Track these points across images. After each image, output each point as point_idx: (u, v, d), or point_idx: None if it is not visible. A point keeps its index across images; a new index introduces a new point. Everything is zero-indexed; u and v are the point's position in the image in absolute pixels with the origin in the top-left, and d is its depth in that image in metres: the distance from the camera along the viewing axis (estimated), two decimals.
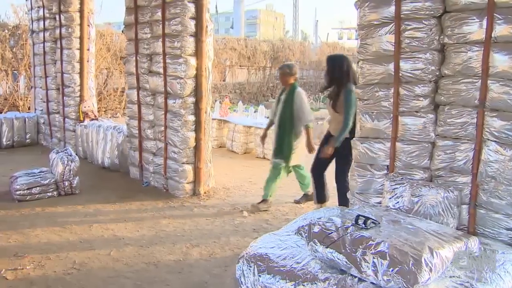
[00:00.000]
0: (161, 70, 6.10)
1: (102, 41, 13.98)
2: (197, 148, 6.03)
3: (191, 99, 5.92)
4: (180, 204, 5.80)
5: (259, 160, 8.66)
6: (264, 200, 5.71)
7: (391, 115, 3.64)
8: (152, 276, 3.93)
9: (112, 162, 7.42)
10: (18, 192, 5.85)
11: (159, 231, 4.93)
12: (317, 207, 5.30)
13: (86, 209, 5.61)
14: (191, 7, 5.87)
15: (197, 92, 5.94)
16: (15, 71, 13.30)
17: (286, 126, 5.62)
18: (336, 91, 4.99)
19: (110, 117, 12.23)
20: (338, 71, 4.94)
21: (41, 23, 9.48)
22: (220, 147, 9.83)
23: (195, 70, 5.91)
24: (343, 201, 4.98)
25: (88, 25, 8.72)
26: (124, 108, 14.37)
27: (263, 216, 5.47)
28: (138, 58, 6.55)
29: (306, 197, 6.03)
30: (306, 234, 3.04)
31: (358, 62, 3.91)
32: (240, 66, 20.01)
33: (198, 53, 5.91)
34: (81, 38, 8.61)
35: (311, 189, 5.76)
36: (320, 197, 5.43)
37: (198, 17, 5.91)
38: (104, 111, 13.45)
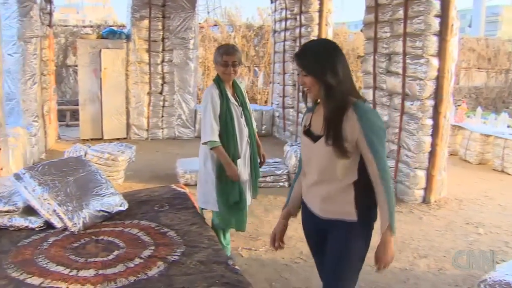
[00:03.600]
0: (400, 71, 5.91)
1: (336, 40, 14.29)
2: (432, 154, 5.69)
3: (430, 102, 5.60)
4: (408, 210, 5.55)
5: (497, 173, 7.79)
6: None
7: None
8: (375, 280, 3.83)
9: None
10: None
11: None
12: None
13: None
14: (436, 4, 5.54)
15: (437, 94, 5.59)
16: (256, 68, 14.56)
17: (254, 141, 3.86)
18: (332, 109, 2.23)
19: None
20: (332, 72, 2.21)
21: (283, 23, 10.12)
22: (452, 154, 9.15)
23: (436, 71, 5.57)
24: None
25: (326, 25, 8.97)
26: None
27: (502, 236, 4.88)
28: (376, 57, 6.48)
29: None
30: None
31: None
32: (478, 68, 18.34)
33: (441, 53, 5.55)
34: (319, 37, 8.89)
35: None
36: None
37: (443, 15, 5.55)
38: None
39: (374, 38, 6.52)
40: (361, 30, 7.21)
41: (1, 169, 4.82)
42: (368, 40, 6.75)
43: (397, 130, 6.03)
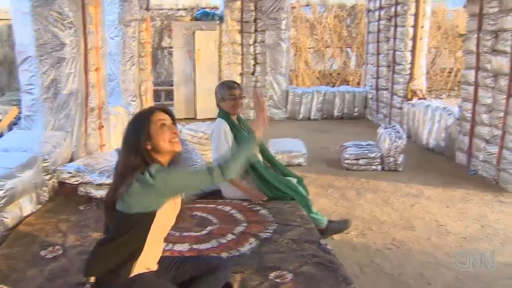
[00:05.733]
0: (508, 49, 5.41)
1: (433, 19, 13.56)
2: None
3: None
4: None
5: None
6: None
7: None
8: (476, 274, 3.56)
9: (437, 144, 7.15)
10: (346, 161, 6.25)
11: (486, 226, 4.48)
12: None
13: (409, 188, 5.55)
14: None
15: None
16: (348, 48, 14.24)
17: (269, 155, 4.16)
18: None
19: (434, 98, 11.87)
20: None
21: (377, 1, 9.78)
22: None
23: None
24: None
25: (424, 2, 8.50)
26: (449, 89, 13.76)
27: None
28: (480, 35, 6.01)
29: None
30: None
31: None
32: None
33: None
34: (416, 15, 8.45)
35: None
36: None
37: None
38: (429, 91, 13.11)
39: (479, 14, 6.05)
40: (464, 6, 6.74)
41: (104, 145, 5.10)
42: (471, 16, 6.28)
43: (502, 114, 5.57)
